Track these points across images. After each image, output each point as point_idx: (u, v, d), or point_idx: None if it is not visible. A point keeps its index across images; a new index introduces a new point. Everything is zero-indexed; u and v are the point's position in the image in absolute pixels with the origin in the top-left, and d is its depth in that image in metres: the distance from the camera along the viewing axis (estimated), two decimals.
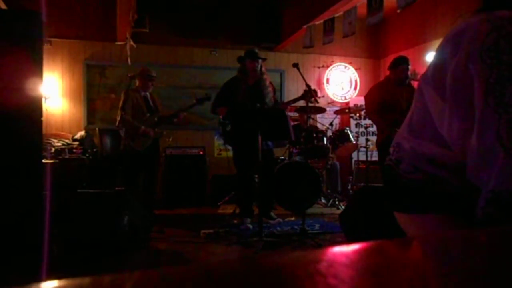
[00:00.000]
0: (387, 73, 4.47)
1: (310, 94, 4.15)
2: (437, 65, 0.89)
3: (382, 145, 4.27)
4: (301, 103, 4.51)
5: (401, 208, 1.01)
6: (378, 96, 4.24)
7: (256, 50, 4.22)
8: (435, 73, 0.89)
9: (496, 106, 0.74)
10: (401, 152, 1.00)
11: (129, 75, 4.43)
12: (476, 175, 0.79)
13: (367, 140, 5.88)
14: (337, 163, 5.82)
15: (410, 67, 4.31)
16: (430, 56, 5.76)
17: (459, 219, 0.90)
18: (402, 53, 5.24)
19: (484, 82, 0.75)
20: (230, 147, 4.54)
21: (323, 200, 5.42)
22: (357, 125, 6.10)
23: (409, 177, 0.96)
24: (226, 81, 4.34)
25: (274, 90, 4.43)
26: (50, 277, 1.67)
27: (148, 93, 4.58)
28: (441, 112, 0.87)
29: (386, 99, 4.18)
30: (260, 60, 4.17)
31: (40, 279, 1.80)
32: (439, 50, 0.89)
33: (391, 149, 1.05)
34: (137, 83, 4.55)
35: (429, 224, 0.94)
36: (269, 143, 4.28)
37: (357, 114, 5.77)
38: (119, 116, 4.16)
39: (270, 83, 4.33)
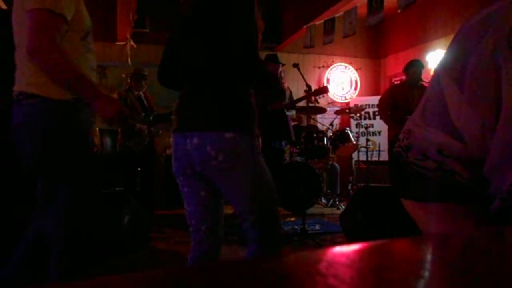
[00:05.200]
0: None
1: (322, 90, 4.32)
2: (455, 54, 0.83)
3: (391, 142, 4.41)
4: (302, 103, 4.52)
5: (409, 196, 0.97)
6: (389, 95, 4.62)
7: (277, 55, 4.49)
8: (454, 62, 0.83)
9: None
10: (411, 138, 0.95)
11: (124, 75, 4.45)
12: (498, 168, 0.75)
13: (367, 140, 5.89)
14: (337, 164, 5.82)
15: (423, 70, 4.59)
16: (430, 56, 5.75)
17: (472, 208, 0.86)
18: (402, 53, 5.27)
19: None
20: None
21: (323, 200, 5.42)
22: (357, 125, 6.10)
23: (419, 163, 0.92)
24: None
25: (291, 93, 4.62)
26: (50, 277, 1.68)
27: (141, 93, 4.58)
28: (458, 104, 0.81)
29: (396, 98, 4.51)
30: (280, 65, 4.37)
31: (40, 279, 1.80)
32: (459, 38, 0.83)
33: (401, 135, 0.99)
34: (131, 83, 4.57)
35: (440, 212, 0.91)
36: (282, 143, 4.39)
37: (358, 114, 5.77)
38: None
39: (288, 87, 4.55)
